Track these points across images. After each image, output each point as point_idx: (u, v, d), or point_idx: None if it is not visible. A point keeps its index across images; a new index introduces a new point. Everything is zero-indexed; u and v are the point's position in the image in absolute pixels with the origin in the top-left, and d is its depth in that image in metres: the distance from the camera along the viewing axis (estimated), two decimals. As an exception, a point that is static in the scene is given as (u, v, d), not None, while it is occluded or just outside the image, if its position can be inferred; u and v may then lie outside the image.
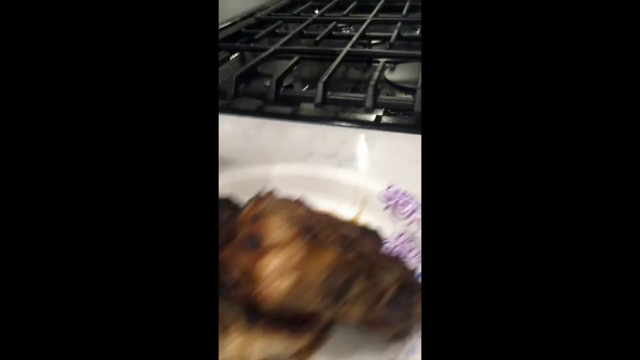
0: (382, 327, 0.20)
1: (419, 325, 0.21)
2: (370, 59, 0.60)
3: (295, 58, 0.53)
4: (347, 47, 0.56)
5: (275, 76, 0.47)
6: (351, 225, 0.25)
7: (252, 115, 0.47)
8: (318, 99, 0.44)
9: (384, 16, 0.75)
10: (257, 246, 0.19)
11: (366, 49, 0.65)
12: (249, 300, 0.18)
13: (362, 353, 0.21)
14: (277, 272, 0.18)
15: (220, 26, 0.74)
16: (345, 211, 0.28)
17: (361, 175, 0.33)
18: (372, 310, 0.20)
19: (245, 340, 0.20)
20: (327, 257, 0.18)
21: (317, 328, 0.20)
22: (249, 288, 0.18)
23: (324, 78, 0.45)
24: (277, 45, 0.59)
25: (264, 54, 0.55)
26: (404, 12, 0.76)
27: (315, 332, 0.21)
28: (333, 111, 0.47)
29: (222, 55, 0.60)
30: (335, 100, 0.45)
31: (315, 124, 0.45)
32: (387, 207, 0.29)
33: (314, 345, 0.21)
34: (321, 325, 0.20)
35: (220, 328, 0.20)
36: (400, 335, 0.21)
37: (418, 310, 0.21)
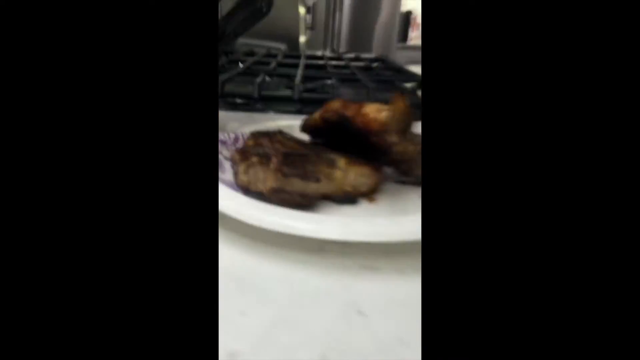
0: (416, 168, 0.31)
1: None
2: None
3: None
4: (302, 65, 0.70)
5: (258, 80, 0.58)
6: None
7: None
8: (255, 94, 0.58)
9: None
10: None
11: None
12: (359, 128, 0.28)
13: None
14: (375, 109, 0.28)
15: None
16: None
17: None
18: (415, 154, 0.31)
19: (346, 171, 0.29)
20: (401, 108, 0.29)
21: (386, 164, 0.30)
22: (358, 119, 0.28)
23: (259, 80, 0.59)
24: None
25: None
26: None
27: (383, 171, 0.31)
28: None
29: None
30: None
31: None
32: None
33: (379, 183, 0.31)
34: (392, 159, 0.30)
35: (329, 165, 0.28)
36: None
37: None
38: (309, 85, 0.64)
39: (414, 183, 0.33)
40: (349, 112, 0.29)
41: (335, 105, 0.31)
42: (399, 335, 0.18)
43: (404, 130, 0.29)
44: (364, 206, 0.29)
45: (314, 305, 0.20)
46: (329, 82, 0.65)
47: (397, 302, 0.20)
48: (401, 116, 0.29)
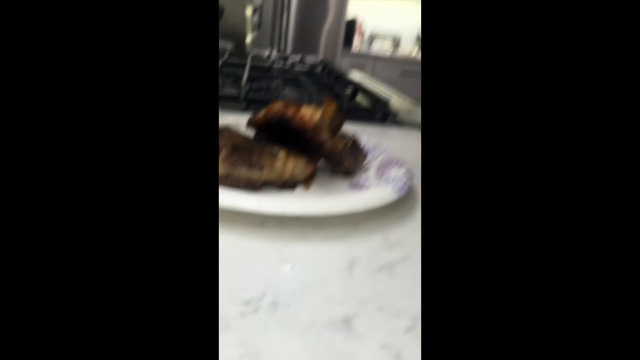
0: (344, 161, 0.38)
1: (362, 167, 0.39)
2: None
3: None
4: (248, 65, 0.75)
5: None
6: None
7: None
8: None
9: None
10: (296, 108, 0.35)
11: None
12: (296, 126, 0.34)
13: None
14: (310, 111, 0.34)
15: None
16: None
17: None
18: (343, 149, 0.37)
19: (285, 161, 0.34)
20: (331, 111, 0.35)
21: (319, 157, 0.36)
22: (296, 120, 0.34)
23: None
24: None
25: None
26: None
27: (317, 162, 0.37)
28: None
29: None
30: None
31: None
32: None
33: (313, 173, 0.37)
34: (324, 153, 0.36)
35: (271, 157, 0.34)
36: (350, 171, 0.39)
37: (361, 159, 0.39)
38: (255, 85, 0.68)
39: (342, 173, 0.39)
40: (289, 113, 0.34)
41: (277, 106, 0.36)
42: (320, 279, 0.24)
43: (334, 129, 0.36)
44: (299, 192, 0.35)
45: (257, 261, 0.25)
46: (273, 83, 0.70)
47: (322, 260, 0.26)
48: (331, 118, 0.35)
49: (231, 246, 0.27)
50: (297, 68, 0.96)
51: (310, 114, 0.34)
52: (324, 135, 0.35)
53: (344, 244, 0.28)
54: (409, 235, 0.31)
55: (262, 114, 0.38)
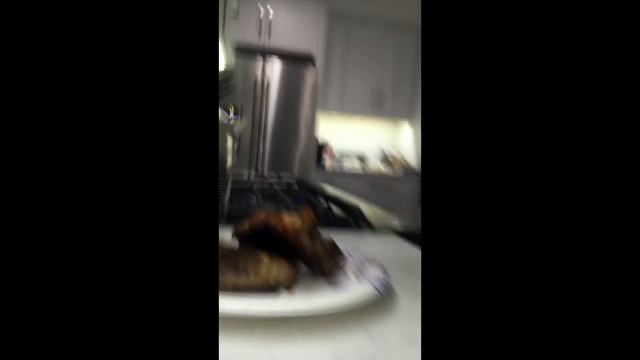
0: (324, 263, 0.41)
1: (341, 268, 0.42)
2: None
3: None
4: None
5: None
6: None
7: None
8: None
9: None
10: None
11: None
12: (279, 234, 0.37)
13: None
14: (292, 219, 0.38)
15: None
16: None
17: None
18: (323, 253, 0.40)
19: (269, 266, 0.37)
20: (310, 218, 0.39)
21: (302, 260, 0.39)
22: (280, 227, 0.37)
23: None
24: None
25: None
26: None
27: (299, 266, 0.39)
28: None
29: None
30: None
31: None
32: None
33: (296, 277, 0.39)
34: (306, 257, 0.39)
35: (256, 262, 0.36)
36: (330, 273, 0.41)
37: (340, 260, 0.42)
38: (235, 205, 0.73)
39: (322, 274, 0.42)
40: (273, 221, 0.38)
41: (261, 215, 0.40)
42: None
43: (314, 234, 0.39)
44: (284, 295, 0.37)
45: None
46: (253, 201, 0.75)
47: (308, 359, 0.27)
48: (310, 224, 0.39)
49: (223, 356, 0.27)
50: (275, 186, 1.04)
51: (291, 221, 0.38)
52: (306, 240, 0.38)
53: (328, 342, 0.29)
54: (391, 329, 0.32)
55: (246, 224, 0.41)
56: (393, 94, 3.06)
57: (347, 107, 3.00)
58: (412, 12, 2.69)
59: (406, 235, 0.70)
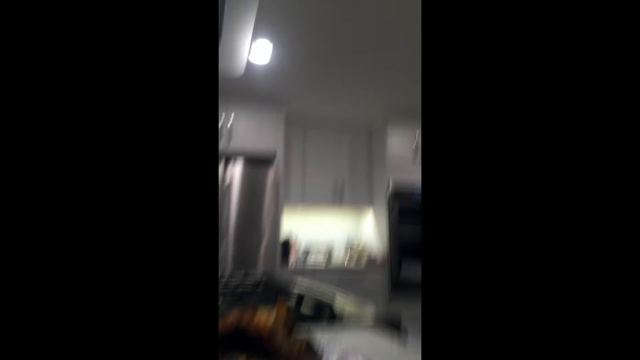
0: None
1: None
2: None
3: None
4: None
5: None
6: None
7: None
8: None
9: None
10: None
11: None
12: (252, 332, 0.35)
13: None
14: (265, 315, 0.37)
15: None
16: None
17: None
18: (299, 352, 0.39)
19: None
20: (284, 312, 0.39)
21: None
22: (252, 327, 0.36)
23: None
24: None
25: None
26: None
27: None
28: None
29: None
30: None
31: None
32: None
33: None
34: (280, 356, 0.37)
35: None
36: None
37: (317, 359, 0.41)
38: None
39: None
40: (244, 322, 0.37)
41: (232, 317, 0.39)
42: None
43: (290, 327, 0.38)
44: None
45: None
46: (220, 301, 0.72)
47: None
48: (285, 319, 0.38)
49: None
50: (241, 289, 1.00)
51: (264, 318, 0.37)
52: (280, 339, 0.37)
53: None
54: None
55: (219, 327, 0.39)
56: (352, 184, 3.20)
57: (309, 199, 3.08)
58: (365, 112, 2.97)
59: (379, 326, 0.69)
